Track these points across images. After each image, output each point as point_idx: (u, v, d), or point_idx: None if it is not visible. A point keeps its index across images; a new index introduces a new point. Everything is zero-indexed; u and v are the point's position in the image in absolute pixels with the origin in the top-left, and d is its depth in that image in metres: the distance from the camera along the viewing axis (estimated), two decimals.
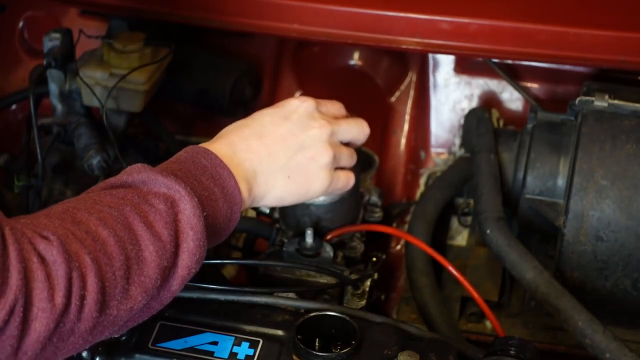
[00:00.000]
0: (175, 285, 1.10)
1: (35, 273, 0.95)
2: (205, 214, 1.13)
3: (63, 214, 1.04)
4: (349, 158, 1.37)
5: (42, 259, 0.96)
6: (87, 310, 0.99)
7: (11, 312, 0.93)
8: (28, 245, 0.96)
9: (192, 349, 1.24)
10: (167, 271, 1.08)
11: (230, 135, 1.27)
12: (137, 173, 1.13)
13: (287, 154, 1.27)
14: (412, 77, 2.02)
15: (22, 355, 0.96)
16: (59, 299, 0.96)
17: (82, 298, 0.98)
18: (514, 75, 1.91)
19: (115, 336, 1.12)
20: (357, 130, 1.38)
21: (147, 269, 1.05)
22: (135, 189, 1.11)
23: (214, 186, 1.17)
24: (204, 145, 1.23)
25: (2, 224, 0.95)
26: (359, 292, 1.49)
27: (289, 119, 1.30)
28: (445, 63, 1.99)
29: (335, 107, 1.37)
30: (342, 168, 1.37)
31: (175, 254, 1.09)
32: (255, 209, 1.64)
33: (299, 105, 1.32)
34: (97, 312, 1.00)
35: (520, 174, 1.69)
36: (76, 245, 1.00)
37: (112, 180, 1.13)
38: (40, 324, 0.95)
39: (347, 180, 1.37)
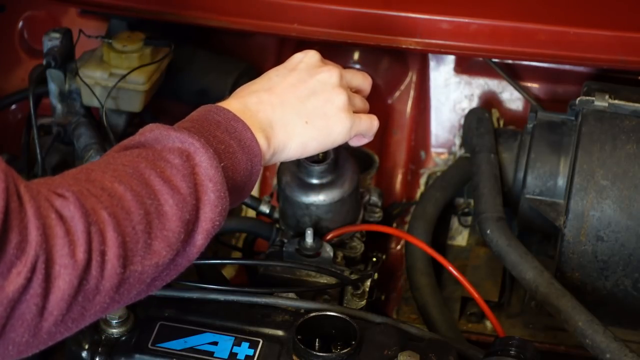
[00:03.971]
0: (201, 239, 1.08)
1: (55, 230, 0.93)
2: (223, 164, 1.11)
3: (77, 174, 1.02)
4: (362, 102, 1.34)
5: (60, 216, 0.94)
6: (110, 267, 0.97)
7: (33, 270, 0.90)
8: (45, 202, 0.94)
9: (192, 349, 1.24)
10: (190, 225, 1.06)
11: (239, 93, 1.26)
12: (149, 132, 1.12)
13: (300, 99, 1.26)
14: (412, 77, 2.02)
15: (48, 316, 0.93)
16: (81, 254, 0.94)
17: (103, 254, 0.96)
18: (514, 75, 1.91)
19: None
20: (362, 77, 1.36)
21: (169, 223, 1.03)
22: (148, 147, 1.09)
23: (230, 139, 1.15)
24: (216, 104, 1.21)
25: (17, 182, 0.92)
26: (359, 292, 1.49)
27: (296, 69, 1.29)
28: (445, 63, 1.99)
29: (337, 65, 1.35)
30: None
31: (197, 207, 1.07)
32: (256, 208, 1.63)
33: (303, 56, 1.32)
34: (121, 267, 0.98)
35: (521, 174, 1.69)
36: (92, 201, 0.98)
37: (125, 142, 1.12)
38: (63, 281, 0.92)
39: (370, 121, 1.32)
